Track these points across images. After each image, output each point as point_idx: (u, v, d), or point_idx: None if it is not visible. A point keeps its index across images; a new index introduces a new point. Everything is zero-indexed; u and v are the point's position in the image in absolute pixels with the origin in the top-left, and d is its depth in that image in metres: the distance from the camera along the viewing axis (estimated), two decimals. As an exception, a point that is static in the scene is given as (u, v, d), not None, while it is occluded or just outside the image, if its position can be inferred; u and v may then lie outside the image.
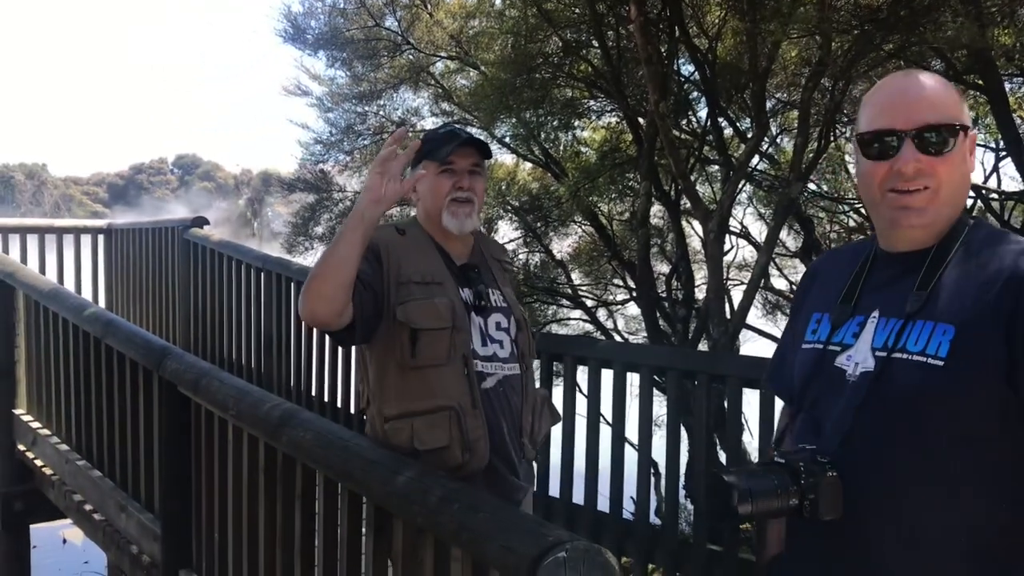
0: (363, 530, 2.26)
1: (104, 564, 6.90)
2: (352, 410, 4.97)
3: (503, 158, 10.29)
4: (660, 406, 5.29)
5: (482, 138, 2.54)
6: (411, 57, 9.40)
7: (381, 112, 9.97)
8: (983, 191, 8.62)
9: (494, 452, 2.29)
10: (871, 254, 1.61)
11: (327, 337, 5.15)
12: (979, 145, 9.16)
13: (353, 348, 5.07)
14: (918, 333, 1.45)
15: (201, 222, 6.69)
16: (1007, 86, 7.03)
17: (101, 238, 7.85)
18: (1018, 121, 7.21)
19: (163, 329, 6.93)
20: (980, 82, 6.49)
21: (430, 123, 10.18)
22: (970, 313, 1.41)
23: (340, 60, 9.53)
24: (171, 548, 3.34)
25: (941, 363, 1.41)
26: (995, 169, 9.43)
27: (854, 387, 1.51)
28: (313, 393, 5.32)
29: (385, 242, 2.30)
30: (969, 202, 8.49)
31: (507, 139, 9.19)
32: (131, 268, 7.53)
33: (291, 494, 2.54)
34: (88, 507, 4.21)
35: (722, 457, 5.54)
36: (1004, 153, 8.44)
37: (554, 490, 4.40)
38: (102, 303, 7.68)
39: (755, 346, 10.02)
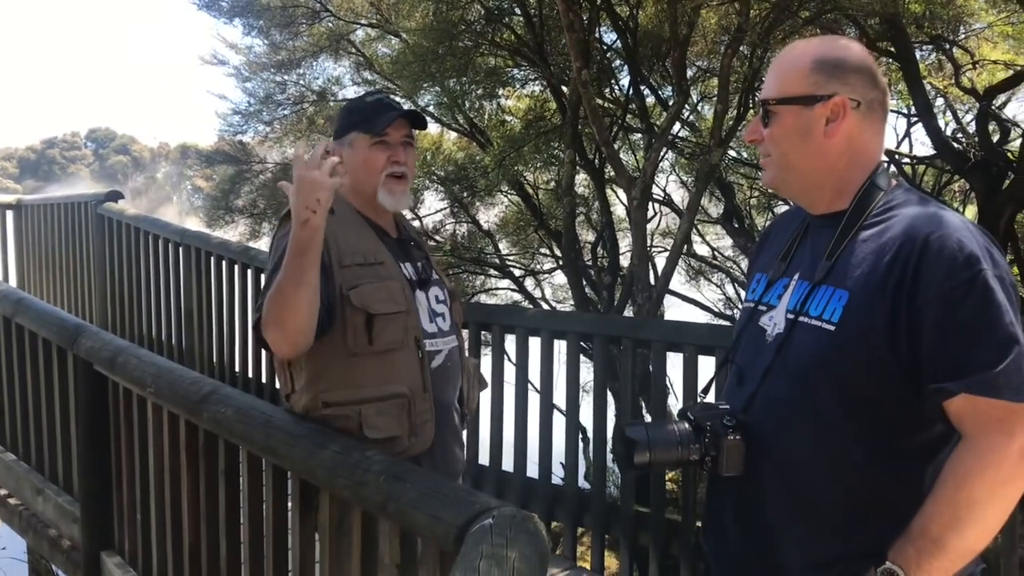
0: (289, 504, 2.23)
1: (23, 549, 6.71)
2: (277, 384, 4.90)
3: (427, 127, 10.18)
4: (587, 372, 5.35)
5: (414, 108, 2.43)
6: (330, 25, 9.21)
7: (301, 81, 9.78)
8: (896, 156, 8.88)
9: (441, 429, 2.23)
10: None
11: (249, 312, 5.07)
12: (892, 111, 9.40)
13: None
14: (819, 298, 1.50)
15: (115, 196, 6.48)
16: (917, 53, 7.22)
17: (10, 214, 7.55)
18: (928, 88, 7.42)
19: (78, 307, 6.72)
20: (892, 49, 6.66)
21: (352, 92, 10.02)
22: (864, 279, 1.45)
23: (257, 28, 9.29)
24: (91, 530, 3.26)
25: (832, 328, 1.46)
26: (907, 134, 9.72)
27: (769, 349, 1.57)
28: (237, 368, 5.23)
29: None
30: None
31: (431, 108, 9.11)
32: (43, 245, 7.26)
33: (214, 471, 2.49)
34: (2, 492, 4.08)
35: (647, 420, 5.63)
36: (915, 118, 8.69)
37: (484, 458, 4.42)
38: (12, 281, 7.40)
39: (679, 311, 10.20)
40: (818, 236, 1.59)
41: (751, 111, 7.50)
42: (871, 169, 1.56)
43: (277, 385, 4.85)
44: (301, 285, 1.93)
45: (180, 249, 5.60)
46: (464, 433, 2.43)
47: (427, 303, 2.27)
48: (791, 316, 1.54)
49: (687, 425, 1.56)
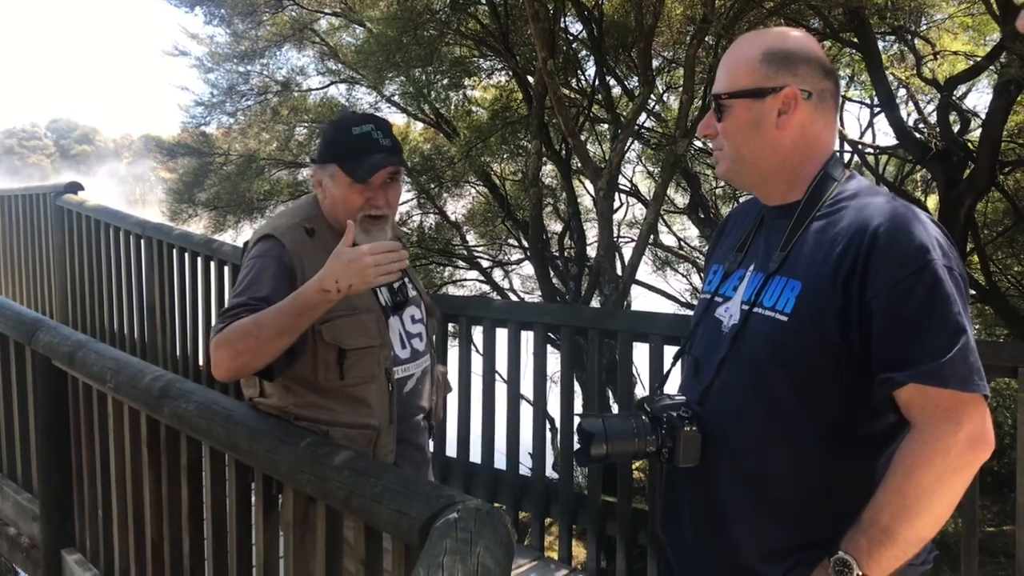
0: (252, 500, 2.21)
1: (-17, 548, 6.60)
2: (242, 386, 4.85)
3: (394, 118, 10.13)
4: (554, 362, 5.36)
5: (392, 133, 2.17)
6: (293, 13, 9.12)
7: (264, 72, 9.68)
8: (858, 145, 8.97)
9: (403, 454, 2.19)
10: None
11: (212, 305, 5.02)
12: (855, 101, 9.50)
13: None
14: (773, 288, 1.51)
15: (75, 188, 6.37)
16: (880, 44, 7.28)
17: (-34, 207, 7.41)
18: (890, 78, 7.49)
19: (38, 301, 6.61)
20: (855, 40, 6.71)
21: (316, 82, 9.93)
22: (816, 270, 1.46)
23: (218, 17, 9.17)
24: (52, 528, 3.21)
25: (786, 318, 1.47)
26: (870, 124, 9.82)
27: (724, 340, 1.57)
28: (200, 362, 5.17)
29: (298, 254, 2.06)
30: (846, 157, 8.81)
31: (396, 98, 9.05)
32: (0, 238, 7.14)
33: (176, 467, 2.46)
34: (-40, 490, 4.00)
35: (615, 409, 5.65)
36: (878, 109, 8.78)
37: (451, 450, 4.41)
38: (-31, 275, 7.27)
39: (645, 301, 10.24)
40: (772, 227, 1.60)
41: (716, 101, 7.51)
42: (824, 160, 1.56)
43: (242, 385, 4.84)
44: (280, 337, 1.90)
45: (141, 241, 5.52)
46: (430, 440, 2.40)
47: (401, 328, 2.22)
48: (746, 307, 1.55)
49: (644, 417, 1.57)
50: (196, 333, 5.18)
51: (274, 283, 2.00)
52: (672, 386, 1.79)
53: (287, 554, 2.06)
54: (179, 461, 2.44)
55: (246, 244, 2.19)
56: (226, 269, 4.89)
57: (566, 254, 9.20)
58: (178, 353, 5.32)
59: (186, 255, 5.20)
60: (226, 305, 2.01)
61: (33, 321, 3.27)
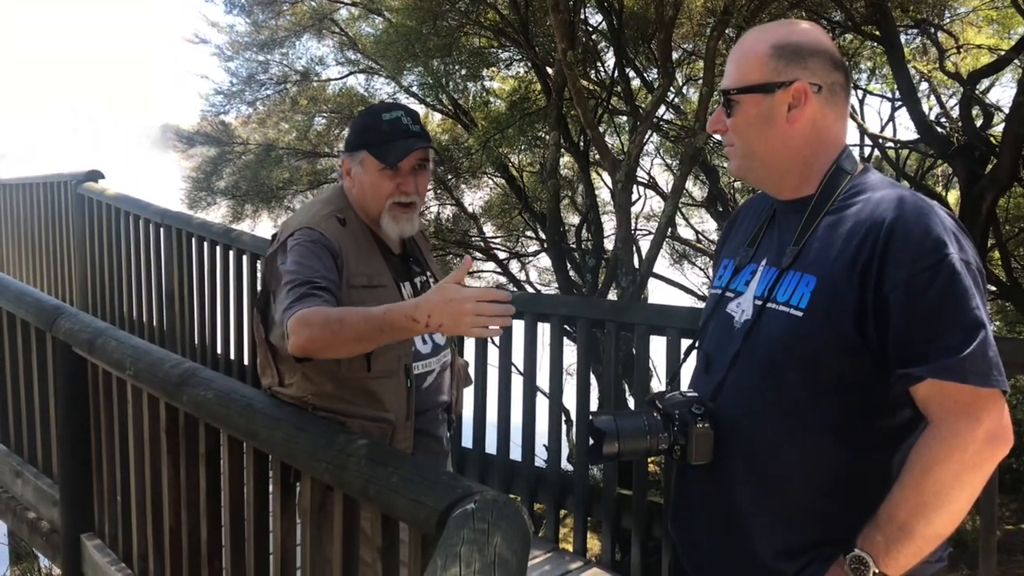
0: (270, 488, 2.22)
1: (4, 532, 6.67)
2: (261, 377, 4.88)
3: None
4: (571, 355, 5.36)
5: (417, 115, 2.18)
6: (313, 3, 9.14)
7: (284, 61, 9.69)
8: (879, 139, 8.89)
9: (420, 450, 2.21)
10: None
11: (230, 294, 5.05)
12: (876, 95, 9.43)
13: (245, 324, 4.89)
14: (787, 283, 1.50)
15: (95, 176, 6.41)
16: (902, 37, 7.22)
17: (-12, 194, 7.47)
18: (912, 72, 7.42)
19: (58, 288, 6.66)
20: (877, 33, 6.65)
21: (335, 72, 9.94)
22: (831, 264, 1.44)
23: (239, 6, 9.20)
24: (71, 513, 3.24)
25: (801, 313, 1.45)
26: (891, 118, 9.74)
27: (736, 335, 1.56)
28: (219, 350, 5.20)
29: (337, 240, 2.08)
30: (867, 151, 8.74)
31: (415, 88, 9.05)
32: (21, 225, 7.19)
33: (194, 454, 2.48)
34: (-19, 474, 4.05)
35: (631, 403, 5.64)
36: (899, 103, 8.71)
37: (467, 441, 4.42)
38: (-9, 262, 7.34)
39: (663, 294, 10.21)
40: (785, 222, 1.58)
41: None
42: (836, 153, 1.55)
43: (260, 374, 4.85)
44: (358, 343, 1.89)
45: (161, 230, 5.55)
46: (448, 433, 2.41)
47: None
48: (759, 302, 1.53)
49: (656, 414, 1.56)
50: (214, 322, 5.20)
51: (327, 263, 2.02)
52: (684, 382, 1.79)
53: (304, 542, 2.07)
54: (197, 448, 2.46)
55: (275, 236, 2.19)
56: (244, 258, 4.91)
57: (583, 246, 9.18)
58: (196, 341, 5.35)
59: (205, 244, 5.22)
60: (286, 280, 1.97)
61: (54, 308, 3.29)
